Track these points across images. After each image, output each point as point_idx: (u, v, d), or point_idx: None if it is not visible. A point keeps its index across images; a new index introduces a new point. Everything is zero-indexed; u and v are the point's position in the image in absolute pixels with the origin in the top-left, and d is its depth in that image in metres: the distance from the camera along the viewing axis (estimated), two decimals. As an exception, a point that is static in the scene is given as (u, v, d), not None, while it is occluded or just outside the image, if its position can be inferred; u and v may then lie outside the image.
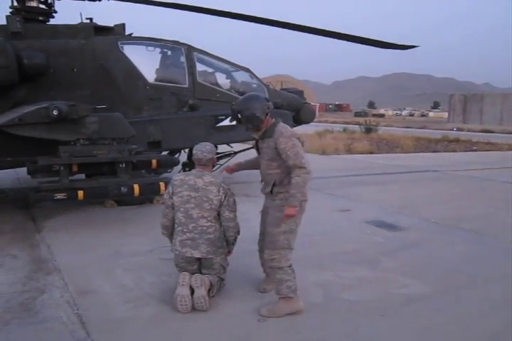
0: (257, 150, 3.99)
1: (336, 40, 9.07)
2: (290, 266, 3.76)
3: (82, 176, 7.26)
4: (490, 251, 5.63)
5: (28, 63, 6.67)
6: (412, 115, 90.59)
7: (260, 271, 4.57)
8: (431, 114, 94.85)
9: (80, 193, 6.21)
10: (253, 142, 4.13)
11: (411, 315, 3.77)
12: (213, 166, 9.11)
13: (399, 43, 9.37)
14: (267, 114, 3.76)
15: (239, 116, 3.77)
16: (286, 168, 3.71)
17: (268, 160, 3.80)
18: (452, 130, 35.61)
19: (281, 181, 3.78)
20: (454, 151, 19.37)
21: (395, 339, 3.42)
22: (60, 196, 6.09)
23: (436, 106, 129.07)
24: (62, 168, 6.24)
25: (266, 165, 3.83)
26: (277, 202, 3.78)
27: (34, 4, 7.54)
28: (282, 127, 3.77)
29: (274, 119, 3.83)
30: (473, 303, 4.05)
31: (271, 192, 3.83)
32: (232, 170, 4.29)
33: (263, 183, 3.98)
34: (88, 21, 7.74)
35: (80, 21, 7.73)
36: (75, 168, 6.54)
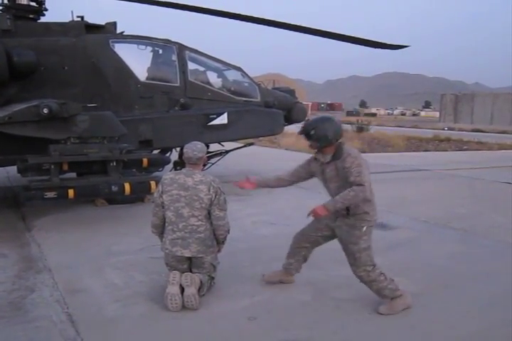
0: (321, 174, 3.95)
1: (328, 39, 9.11)
2: (380, 273, 3.84)
3: (73, 175, 7.24)
4: (478, 249, 5.68)
5: (18, 61, 6.63)
6: (403, 114, 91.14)
7: (250, 269, 4.60)
8: (422, 113, 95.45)
9: (71, 192, 6.18)
10: (311, 165, 4.05)
11: (399, 314, 3.80)
12: (204, 165, 9.09)
13: (390, 43, 9.42)
14: (336, 140, 3.84)
15: (312, 132, 3.82)
16: None
17: (339, 182, 3.79)
18: (443, 129, 35.81)
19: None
20: (445, 150, 19.50)
21: (383, 338, 3.45)
22: (50, 195, 6.06)
23: (427, 105, 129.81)
24: (52, 167, 6.20)
25: (338, 186, 3.79)
26: (353, 221, 3.81)
27: (24, 2, 7.49)
28: (349, 148, 3.88)
29: (338, 142, 3.87)
30: (461, 302, 4.09)
31: (347, 213, 3.82)
32: (251, 186, 4.16)
33: None
34: (79, 19, 7.71)
35: (71, 19, 7.70)
36: (65, 167, 6.50)
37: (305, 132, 3.91)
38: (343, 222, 3.88)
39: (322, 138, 3.80)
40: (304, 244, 4.20)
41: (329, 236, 4.12)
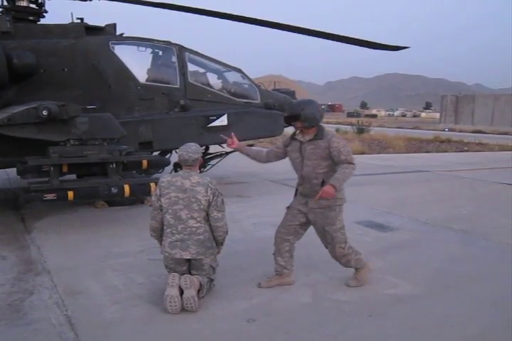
0: (299, 152, 4.15)
1: (328, 40, 9.10)
2: (350, 247, 4.23)
3: (73, 177, 7.23)
4: (479, 251, 5.66)
5: (17, 63, 6.63)
6: (404, 115, 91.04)
7: (249, 271, 4.58)
8: (423, 114, 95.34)
9: (70, 194, 6.16)
10: (288, 145, 4.30)
11: (399, 316, 3.79)
12: (205, 166, 9.04)
13: (390, 44, 9.41)
14: (321, 121, 4.13)
15: (301, 113, 4.01)
16: (334, 167, 4.01)
17: (317, 160, 4.06)
18: (444, 130, 35.80)
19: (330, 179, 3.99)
20: (446, 152, 19.48)
21: (383, 340, 3.44)
22: (49, 197, 6.04)
23: (428, 106, 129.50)
24: (52, 169, 6.19)
25: (315, 164, 4.07)
26: (328, 202, 4.01)
27: (24, 4, 7.50)
28: (330, 131, 4.21)
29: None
30: (461, 303, 4.07)
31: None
32: (234, 145, 4.49)
33: (306, 184, 4.16)
34: (79, 21, 7.72)
35: (70, 21, 7.70)
36: (65, 169, 6.49)
37: (294, 113, 4.09)
38: (317, 203, 4.05)
39: (311, 118, 4.03)
40: (286, 236, 4.29)
41: (305, 223, 4.28)
